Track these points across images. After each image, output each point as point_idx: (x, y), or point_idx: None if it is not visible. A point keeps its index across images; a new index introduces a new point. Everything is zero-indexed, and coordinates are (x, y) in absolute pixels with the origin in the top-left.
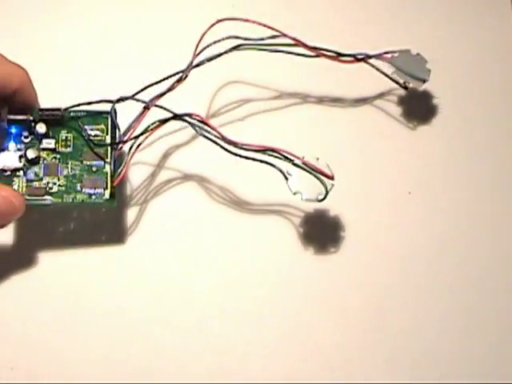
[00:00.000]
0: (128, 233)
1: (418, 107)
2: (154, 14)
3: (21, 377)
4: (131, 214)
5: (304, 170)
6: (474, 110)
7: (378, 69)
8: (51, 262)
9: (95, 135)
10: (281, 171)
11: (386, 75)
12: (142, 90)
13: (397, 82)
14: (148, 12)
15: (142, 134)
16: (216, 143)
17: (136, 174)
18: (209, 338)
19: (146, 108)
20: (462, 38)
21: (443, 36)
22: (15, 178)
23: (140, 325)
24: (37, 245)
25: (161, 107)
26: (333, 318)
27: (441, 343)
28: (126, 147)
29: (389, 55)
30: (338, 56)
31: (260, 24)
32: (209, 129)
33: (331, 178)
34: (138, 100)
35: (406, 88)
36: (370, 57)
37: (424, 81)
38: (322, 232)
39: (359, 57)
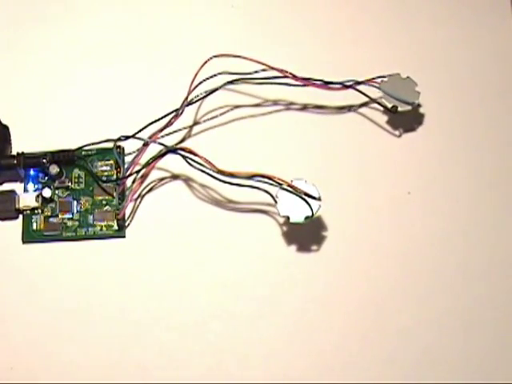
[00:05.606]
0: (127, 233)
1: (417, 106)
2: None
3: (20, 377)
4: (130, 213)
5: (291, 193)
6: (473, 109)
7: (366, 95)
8: (50, 264)
9: (105, 170)
10: (270, 195)
11: (375, 101)
12: (143, 128)
13: (385, 107)
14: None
15: (142, 168)
16: (206, 173)
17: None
18: (209, 337)
19: (146, 144)
20: (461, 39)
21: (442, 36)
22: (34, 216)
23: (139, 325)
24: (36, 247)
25: (157, 143)
26: (333, 317)
27: (441, 343)
28: (130, 180)
29: (378, 80)
30: (326, 84)
31: (248, 59)
32: (199, 159)
33: (318, 199)
34: (137, 138)
35: (394, 112)
36: (358, 83)
37: (413, 104)
38: (321, 232)
39: (347, 84)
